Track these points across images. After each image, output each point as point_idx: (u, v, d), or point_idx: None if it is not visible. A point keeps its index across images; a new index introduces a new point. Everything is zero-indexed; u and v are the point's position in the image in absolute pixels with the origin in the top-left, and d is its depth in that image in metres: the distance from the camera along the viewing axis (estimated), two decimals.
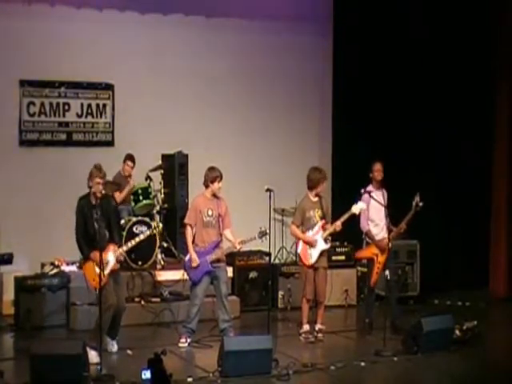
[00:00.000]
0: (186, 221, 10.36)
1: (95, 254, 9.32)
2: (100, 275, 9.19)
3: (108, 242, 9.56)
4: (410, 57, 13.43)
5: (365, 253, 11.09)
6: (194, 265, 10.18)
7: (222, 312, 10.33)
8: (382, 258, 10.74)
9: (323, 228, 10.57)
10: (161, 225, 10.98)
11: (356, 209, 10.55)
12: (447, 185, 13.60)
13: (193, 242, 10.32)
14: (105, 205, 9.60)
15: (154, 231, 10.39)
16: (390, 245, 10.58)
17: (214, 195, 10.33)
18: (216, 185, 10.26)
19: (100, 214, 9.50)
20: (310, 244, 10.54)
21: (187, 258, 10.32)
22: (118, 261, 9.65)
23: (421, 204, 10.69)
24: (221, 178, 10.27)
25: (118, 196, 11.97)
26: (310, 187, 10.66)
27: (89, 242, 9.52)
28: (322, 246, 10.56)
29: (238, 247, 10.31)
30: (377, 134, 13.34)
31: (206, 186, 10.33)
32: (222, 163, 12.91)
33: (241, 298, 12.12)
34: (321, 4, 14.06)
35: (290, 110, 13.98)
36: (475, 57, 13.67)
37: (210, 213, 10.26)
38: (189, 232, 10.31)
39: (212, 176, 10.26)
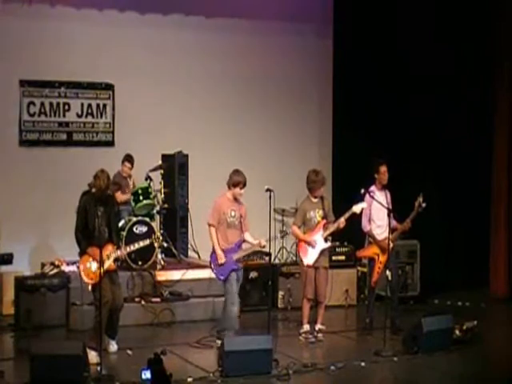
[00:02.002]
0: (210, 221, 10.21)
1: (93, 250, 9.35)
2: (100, 272, 9.19)
3: (106, 240, 9.56)
4: (410, 57, 13.41)
5: (366, 252, 11.09)
6: (221, 261, 10.09)
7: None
8: (383, 258, 10.73)
9: (324, 227, 10.57)
10: (161, 237, 11.16)
11: (357, 208, 10.55)
12: (447, 185, 13.59)
13: None
14: (108, 204, 9.63)
15: (154, 242, 10.38)
16: (391, 245, 10.58)
17: (235, 198, 10.29)
18: (238, 190, 10.14)
19: (102, 211, 9.52)
20: (310, 244, 10.54)
21: (213, 256, 10.22)
22: (114, 261, 9.67)
23: (423, 205, 10.67)
24: (243, 185, 10.13)
25: (119, 196, 11.96)
26: (309, 189, 10.67)
27: (87, 236, 9.52)
28: (322, 245, 10.57)
29: (263, 244, 10.24)
30: (377, 134, 13.34)
31: (229, 187, 10.26)
32: (221, 163, 12.95)
33: (241, 297, 12.08)
34: (321, 4, 14.07)
35: (290, 110, 13.98)
36: (475, 54, 13.64)
37: (233, 214, 10.19)
38: (213, 231, 10.18)
39: (234, 180, 10.14)
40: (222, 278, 10.17)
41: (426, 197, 10.69)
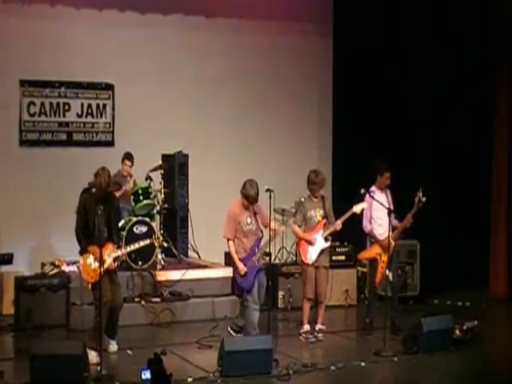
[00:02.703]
0: (226, 235, 10.06)
1: (94, 249, 9.34)
2: (100, 272, 9.18)
3: (106, 239, 9.55)
4: (410, 58, 13.41)
5: (368, 253, 11.07)
6: (242, 273, 10.00)
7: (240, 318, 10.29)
8: (385, 258, 10.71)
9: (324, 226, 10.57)
10: (161, 237, 11.23)
11: (357, 208, 10.55)
12: (447, 186, 13.59)
13: None
14: (108, 202, 9.62)
15: (154, 241, 10.37)
16: (393, 243, 10.59)
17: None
18: (246, 202, 10.00)
19: (103, 210, 9.51)
20: (310, 242, 10.55)
21: (236, 268, 10.15)
22: (114, 260, 9.67)
23: (423, 199, 10.63)
24: (253, 201, 9.94)
25: (117, 193, 11.94)
26: (310, 190, 10.68)
27: (87, 235, 9.51)
28: (321, 244, 10.57)
29: (282, 229, 10.35)
30: (377, 135, 13.35)
31: (241, 195, 10.11)
32: (222, 163, 12.94)
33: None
34: (321, 4, 14.08)
35: (290, 111, 13.99)
36: (475, 56, 13.65)
37: (248, 221, 10.07)
38: (231, 244, 10.06)
39: (245, 192, 9.96)
40: (247, 289, 10.05)
41: (425, 192, 10.66)
